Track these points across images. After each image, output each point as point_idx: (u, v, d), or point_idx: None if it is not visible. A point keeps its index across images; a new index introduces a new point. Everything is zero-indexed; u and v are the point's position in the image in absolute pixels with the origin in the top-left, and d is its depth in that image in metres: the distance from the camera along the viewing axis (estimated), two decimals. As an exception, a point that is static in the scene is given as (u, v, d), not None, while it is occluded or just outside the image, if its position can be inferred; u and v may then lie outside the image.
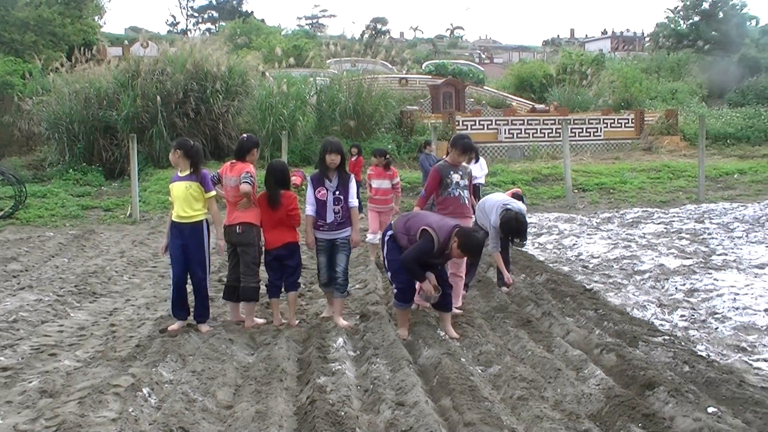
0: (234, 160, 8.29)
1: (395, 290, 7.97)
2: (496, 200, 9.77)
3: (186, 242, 7.95)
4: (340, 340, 7.60)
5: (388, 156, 12.46)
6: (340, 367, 6.70)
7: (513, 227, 9.30)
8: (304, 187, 9.03)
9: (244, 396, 6.08)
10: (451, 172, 8.74)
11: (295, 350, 7.53)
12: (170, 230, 8.08)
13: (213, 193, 8.02)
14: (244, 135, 8.62)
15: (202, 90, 24.29)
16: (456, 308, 8.56)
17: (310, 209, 8.21)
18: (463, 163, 9.02)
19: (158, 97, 23.16)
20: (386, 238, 8.08)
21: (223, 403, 6.06)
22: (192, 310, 8.28)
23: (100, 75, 25.38)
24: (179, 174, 8.05)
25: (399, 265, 7.80)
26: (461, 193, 8.70)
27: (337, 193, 8.20)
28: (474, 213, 9.48)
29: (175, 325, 8.11)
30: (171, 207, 8.17)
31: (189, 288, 8.19)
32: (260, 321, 8.50)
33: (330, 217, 8.19)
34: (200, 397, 5.98)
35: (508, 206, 9.50)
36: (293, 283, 8.34)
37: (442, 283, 7.86)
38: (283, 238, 8.20)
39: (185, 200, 7.89)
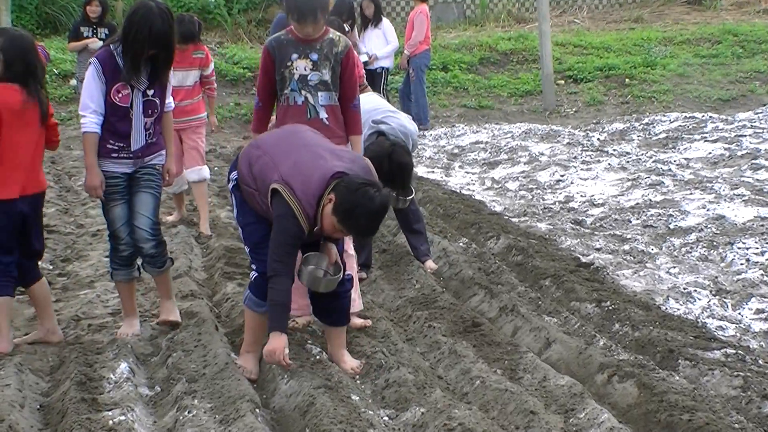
0: None
1: (253, 275, 5.43)
2: (364, 110, 6.95)
3: None
4: (124, 366, 5.76)
5: (200, 24, 9.22)
6: (123, 418, 4.94)
7: (385, 170, 6.53)
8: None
9: None
10: (294, 55, 5.91)
11: (34, 390, 5.70)
12: None
13: None
14: None
15: None
16: (355, 315, 6.13)
17: (93, 122, 5.58)
18: (332, 36, 6.04)
19: None
20: (231, 184, 5.58)
21: None
22: None
23: None
24: None
25: (260, 236, 5.35)
26: (308, 97, 5.91)
27: (152, 93, 5.71)
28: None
29: None
30: None
31: None
32: None
33: (138, 141, 5.68)
34: None
35: (382, 126, 7.01)
36: (36, 261, 6.08)
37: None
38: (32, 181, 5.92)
39: None
